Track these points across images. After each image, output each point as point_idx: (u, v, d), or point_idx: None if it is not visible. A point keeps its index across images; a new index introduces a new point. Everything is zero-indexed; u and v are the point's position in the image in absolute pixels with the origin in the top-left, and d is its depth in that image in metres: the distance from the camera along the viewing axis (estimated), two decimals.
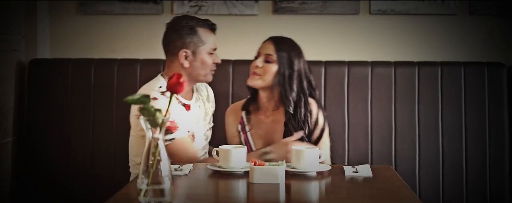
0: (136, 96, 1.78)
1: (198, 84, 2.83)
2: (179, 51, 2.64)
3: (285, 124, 2.65)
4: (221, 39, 3.26)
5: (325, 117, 2.72)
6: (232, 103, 2.95)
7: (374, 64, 3.05)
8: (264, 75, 2.63)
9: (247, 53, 3.16)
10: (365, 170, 2.31)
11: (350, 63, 3.04)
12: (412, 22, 3.22)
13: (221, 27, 3.26)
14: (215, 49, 2.70)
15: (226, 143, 2.86)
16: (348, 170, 2.31)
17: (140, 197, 1.80)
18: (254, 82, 2.65)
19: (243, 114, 2.75)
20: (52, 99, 3.06)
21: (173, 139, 2.56)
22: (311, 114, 2.66)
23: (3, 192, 3.01)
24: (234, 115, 2.78)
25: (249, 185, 2.11)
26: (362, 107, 2.94)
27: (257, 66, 2.64)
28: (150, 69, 3.03)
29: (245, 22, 3.24)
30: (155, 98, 2.55)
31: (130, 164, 2.76)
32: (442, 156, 2.97)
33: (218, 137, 2.87)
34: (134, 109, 2.65)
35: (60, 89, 3.06)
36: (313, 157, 2.30)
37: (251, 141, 2.72)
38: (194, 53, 2.64)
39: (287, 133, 2.63)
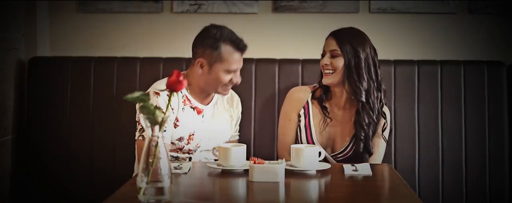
0: (136, 94, 1.78)
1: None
2: (197, 58, 2.62)
3: (357, 112, 2.65)
4: None
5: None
6: None
7: None
8: (336, 71, 2.64)
9: (247, 52, 3.16)
10: (364, 169, 2.31)
11: None
12: (412, 21, 3.22)
13: None
14: (236, 70, 2.63)
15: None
16: (348, 169, 2.31)
17: (139, 195, 1.80)
18: (329, 80, 2.66)
19: (310, 100, 2.75)
20: (52, 97, 3.05)
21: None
22: (380, 102, 2.68)
23: (3, 191, 3.01)
24: (298, 97, 2.77)
25: (249, 184, 2.11)
26: None
27: (326, 64, 2.66)
28: (150, 67, 3.03)
29: (244, 20, 3.23)
30: (156, 93, 2.58)
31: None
32: (441, 155, 2.97)
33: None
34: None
35: (59, 87, 3.06)
36: (312, 156, 2.30)
37: (313, 128, 2.72)
38: (210, 66, 2.60)
39: (357, 124, 2.65)
